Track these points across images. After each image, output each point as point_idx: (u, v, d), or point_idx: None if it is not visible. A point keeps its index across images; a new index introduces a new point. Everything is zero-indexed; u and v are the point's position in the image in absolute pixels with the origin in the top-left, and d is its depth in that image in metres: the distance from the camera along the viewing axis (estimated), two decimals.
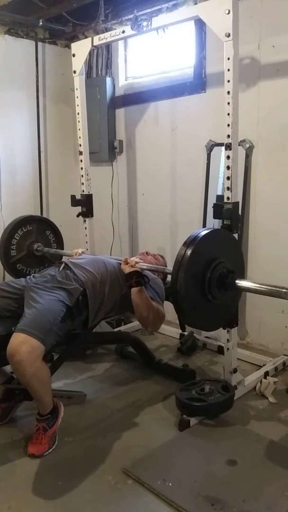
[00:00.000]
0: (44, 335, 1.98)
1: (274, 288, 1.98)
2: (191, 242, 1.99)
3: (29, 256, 3.22)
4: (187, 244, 1.99)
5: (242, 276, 2.30)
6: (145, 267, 2.45)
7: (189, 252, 1.96)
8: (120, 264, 2.49)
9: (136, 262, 2.42)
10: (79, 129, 3.25)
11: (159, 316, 2.38)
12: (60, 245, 3.40)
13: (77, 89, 3.20)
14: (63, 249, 3.38)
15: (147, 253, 2.74)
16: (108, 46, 3.87)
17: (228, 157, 2.34)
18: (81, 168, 3.28)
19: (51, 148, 4.15)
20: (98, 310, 2.38)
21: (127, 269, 2.40)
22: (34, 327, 1.98)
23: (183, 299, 1.97)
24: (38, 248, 3.23)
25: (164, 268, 2.59)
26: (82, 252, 2.88)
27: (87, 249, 3.21)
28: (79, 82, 3.19)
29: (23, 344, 1.91)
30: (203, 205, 3.31)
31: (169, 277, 2.60)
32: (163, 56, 3.64)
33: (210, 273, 2.02)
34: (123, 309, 2.60)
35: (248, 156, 3.05)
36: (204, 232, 2.05)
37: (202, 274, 2.02)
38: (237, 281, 2.09)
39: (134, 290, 2.33)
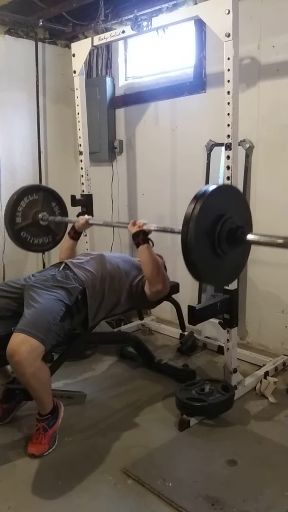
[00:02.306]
0: (43, 334, 1.98)
1: (286, 239, 1.89)
2: (201, 196, 1.96)
3: (33, 225, 3.16)
4: (197, 198, 1.95)
5: (250, 231, 2.25)
6: (153, 228, 2.43)
7: (198, 206, 1.93)
8: (125, 262, 2.53)
9: (144, 223, 2.43)
10: (79, 129, 3.26)
11: (165, 277, 2.46)
12: (65, 216, 3.31)
13: (77, 89, 3.20)
14: None
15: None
16: (108, 46, 3.87)
17: (228, 157, 2.34)
18: (81, 168, 3.29)
19: (51, 148, 4.15)
20: (98, 309, 2.38)
21: (133, 230, 2.42)
22: (34, 327, 1.98)
23: (192, 250, 1.90)
24: (43, 218, 3.17)
25: (173, 228, 2.49)
26: (87, 220, 2.82)
27: (92, 217, 3.07)
28: (79, 82, 3.19)
29: (23, 344, 1.92)
30: None
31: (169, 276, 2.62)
32: (163, 56, 3.63)
33: (220, 227, 1.97)
34: (131, 305, 2.58)
35: (248, 156, 3.05)
36: (212, 187, 2.02)
37: (212, 228, 1.97)
38: (246, 235, 2.02)
39: (141, 247, 2.38)
